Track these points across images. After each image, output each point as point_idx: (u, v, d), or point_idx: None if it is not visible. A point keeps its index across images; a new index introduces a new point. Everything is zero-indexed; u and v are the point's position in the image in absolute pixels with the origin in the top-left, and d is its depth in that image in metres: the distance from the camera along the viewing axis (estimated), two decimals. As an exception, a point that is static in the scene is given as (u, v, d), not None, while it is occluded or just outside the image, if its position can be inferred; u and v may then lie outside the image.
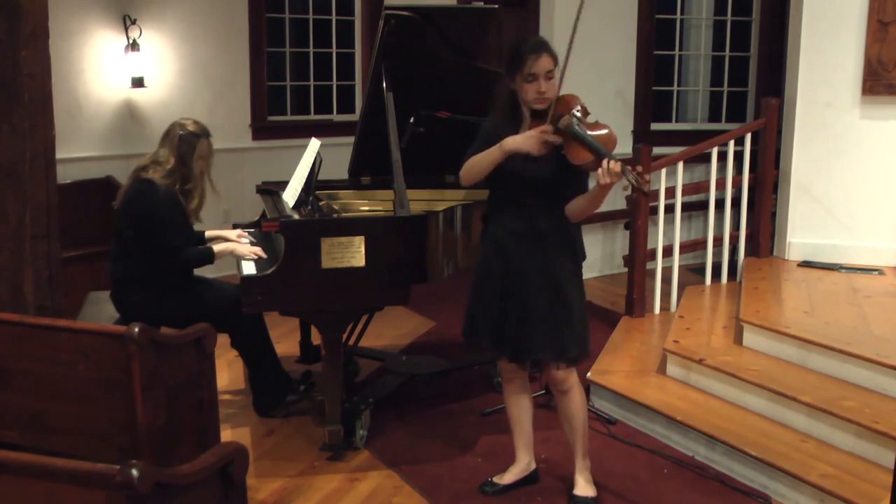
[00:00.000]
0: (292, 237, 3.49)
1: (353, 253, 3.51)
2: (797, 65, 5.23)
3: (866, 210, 5.15)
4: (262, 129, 6.69)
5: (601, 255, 6.49)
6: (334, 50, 7.10)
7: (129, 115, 6.08)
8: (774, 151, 5.42)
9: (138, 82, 5.97)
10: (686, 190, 5.25)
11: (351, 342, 4.35)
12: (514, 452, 3.49)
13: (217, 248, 3.93)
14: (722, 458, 3.63)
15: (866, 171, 5.12)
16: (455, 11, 5.38)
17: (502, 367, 3.42)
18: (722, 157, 5.19)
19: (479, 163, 3.12)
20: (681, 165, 5.07)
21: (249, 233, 4.19)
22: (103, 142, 5.97)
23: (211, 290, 4.00)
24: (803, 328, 4.06)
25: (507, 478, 3.46)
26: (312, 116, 7.05)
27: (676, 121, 6.75)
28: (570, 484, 3.39)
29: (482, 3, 6.07)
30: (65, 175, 5.20)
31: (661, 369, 4.28)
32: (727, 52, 6.68)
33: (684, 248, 5.46)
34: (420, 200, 4.15)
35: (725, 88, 6.74)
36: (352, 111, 7.14)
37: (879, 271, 5.00)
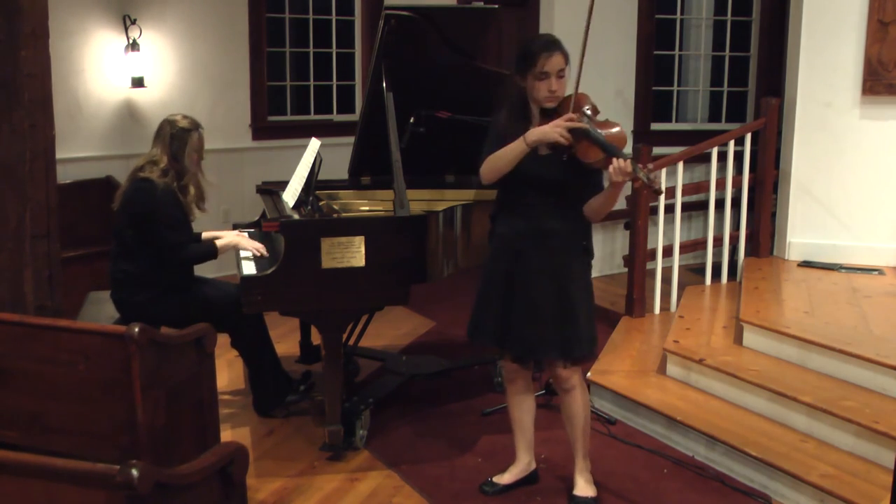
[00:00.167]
0: (292, 237, 3.49)
1: (353, 253, 3.51)
2: (797, 65, 5.23)
3: (866, 210, 5.15)
4: (262, 129, 6.69)
5: (601, 254, 6.48)
6: (334, 50, 7.10)
7: (129, 115, 6.08)
8: (774, 151, 5.42)
9: (138, 82, 5.98)
10: (686, 190, 5.25)
11: (351, 342, 4.35)
12: (514, 452, 3.49)
13: (220, 242, 3.93)
14: (722, 458, 3.63)
15: (866, 171, 5.12)
16: (455, 11, 5.38)
17: (505, 368, 3.41)
18: (722, 157, 5.19)
19: (503, 157, 3.09)
20: (681, 165, 5.07)
21: (249, 233, 4.19)
22: (103, 142, 5.98)
23: (211, 290, 4.00)
24: (803, 328, 4.06)
25: (507, 477, 3.46)
26: (312, 116, 7.06)
27: (676, 121, 6.75)
28: (570, 484, 3.39)
29: (482, 3, 6.08)
30: (65, 175, 5.20)
31: (661, 369, 4.28)
32: (727, 52, 6.68)
33: (684, 248, 5.46)
34: (420, 200, 4.15)
35: (725, 88, 6.73)
36: (352, 111, 7.15)
37: (879, 271, 5.00)
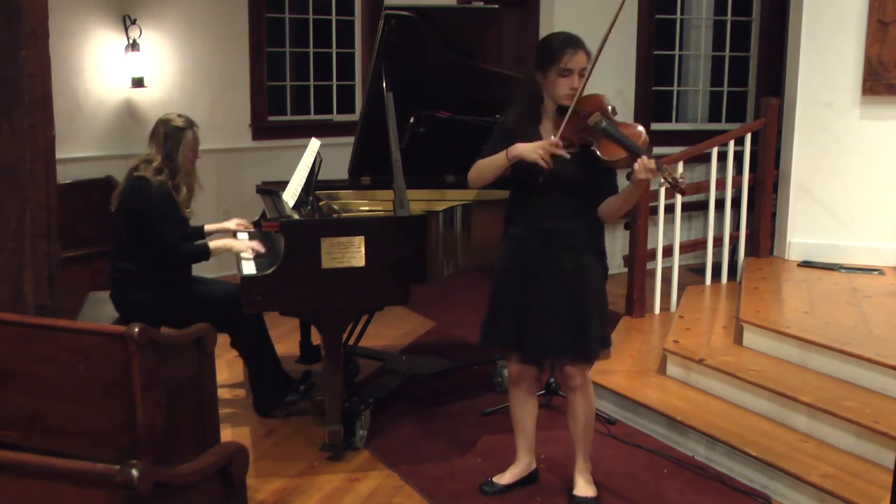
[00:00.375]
0: (292, 237, 3.49)
1: (353, 253, 3.51)
2: (797, 65, 5.23)
3: (866, 210, 5.15)
4: (262, 129, 6.69)
5: (601, 255, 6.49)
6: (334, 50, 7.10)
7: (129, 115, 6.08)
8: (774, 151, 5.42)
9: (138, 82, 5.98)
10: (686, 190, 5.24)
11: (351, 342, 4.35)
12: (514, 452, 3.48)
13: (213, 244, 3.93)
14: (722, 458, 3.63)
15: (866, 171, 5.12)
16: (455, 11, 5.38)
17: (510, 370, 3.37)
18: (722, 157, 5.19)
19: (487, 167, 3.10)
20: (681, 165, 5.07)
21: (250, 233, 4.19)
22: (103, 142, 5.97)
23: (211, 290, 4.00)
24: (803, 328, 4.06)
25: (507, 477, 3.45)
26: (312, 116, 7.06)
27: (676, 121, 6.75)
28: (570, 484, 3.39)
29: (482, 3, 6.08)
30: (65, 175, 5.20)
31: (661, 369, 4.28)
32: (727, 52, 6.68)
33: (684, 248, 5.46)
34: (420, 200, 4.15)
35: (725, 88, 6.74)
36: (352, 111, 7.14)
37: (879, 271, 5.00)
